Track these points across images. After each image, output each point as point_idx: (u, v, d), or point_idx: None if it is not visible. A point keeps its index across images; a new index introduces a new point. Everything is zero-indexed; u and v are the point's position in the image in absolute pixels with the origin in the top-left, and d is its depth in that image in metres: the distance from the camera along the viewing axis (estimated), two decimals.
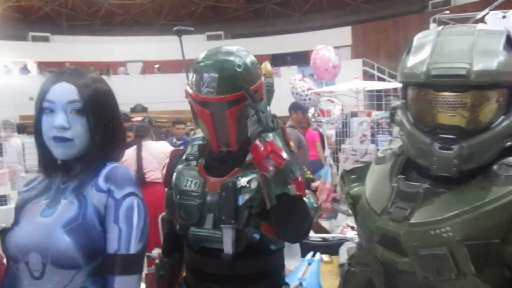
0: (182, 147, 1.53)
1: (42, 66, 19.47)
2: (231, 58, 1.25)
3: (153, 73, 18.86)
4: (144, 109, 16.17)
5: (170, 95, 13.60)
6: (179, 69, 19.51)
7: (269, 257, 1.31)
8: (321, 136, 4.22)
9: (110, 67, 19.02)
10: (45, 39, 19.19)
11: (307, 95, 3.69)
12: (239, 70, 1.23)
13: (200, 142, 1.39)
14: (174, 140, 6.06)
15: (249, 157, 1.28)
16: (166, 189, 1.41)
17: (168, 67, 18.74)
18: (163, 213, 1.68)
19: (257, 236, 1.24)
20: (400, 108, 1.07)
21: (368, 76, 15.18)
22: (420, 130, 1.00)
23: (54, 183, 1.14)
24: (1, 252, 1.38)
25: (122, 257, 1.05)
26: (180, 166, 1.36)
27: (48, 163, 1.14)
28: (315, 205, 1.27)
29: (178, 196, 1.31)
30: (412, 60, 1.01)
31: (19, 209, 1.14)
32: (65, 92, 1.07)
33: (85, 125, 1.08)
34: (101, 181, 1.09)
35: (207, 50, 1.31)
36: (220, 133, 1.26)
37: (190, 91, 1.28)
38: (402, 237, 0.98)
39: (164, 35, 20.08)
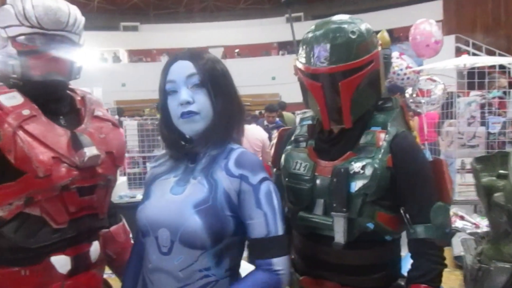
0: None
1: (132, 54, 20.80)
2: (344, 25, 1.14)
3: (234, 58, 19.17)
4: None
5: (251, 79, 13.72)
6: (259, 53, 19.68)
7: (384, 248, 1.21)
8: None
9: None
10: (135, 28, 20.39)
11: (405, 74, 3.40)
12: (352, 36, 1.13)
13: (310, 122, 1.30)
14: (265, 122, 6.08)
15: (363, 139, 1.17)
16: (274, 169, 1.37)
17: (248, 51, 18.92)
18: None
19: (371, 226, 1.15)
20: None
21: (461, 53, 13.97)
22: None
23: (182, 161, 1.14)
24: (128, 228, 1.46)
25: (274, 239, 1.05)
26: (288, 147, 1.30)
27: (174, 145, 1.16)
28: None
29: (286, 179, 1.25)
30: None
31: (149, 184, 1.17)
32: (182, 68, 1.08)
33: (207, 97, 1.08)
34: (231, 165, 1.07)
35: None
36: (332, 108, 1.17)
37: (299, 65, 1.20)
38: None
39: (244, 20, 20.33)
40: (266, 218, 1.04)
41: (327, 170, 1.17)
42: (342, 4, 20.12)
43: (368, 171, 1.12)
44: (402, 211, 1.15)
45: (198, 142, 1.11)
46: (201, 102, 1.07)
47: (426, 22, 4.34)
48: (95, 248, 1.28)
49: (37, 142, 1.14)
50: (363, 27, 1.16)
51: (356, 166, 1.13)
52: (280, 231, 1.06)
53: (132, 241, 1.40)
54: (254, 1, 20.88)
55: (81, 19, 1.24)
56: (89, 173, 1.23)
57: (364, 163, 1.13)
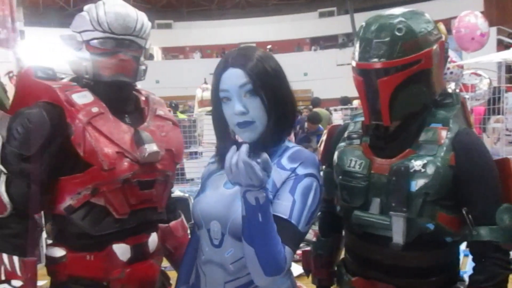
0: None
1: (166, 51, 21.12)
2: (392, 21, 1.10)
3: None
4: None
5: None
6: (291, 49, 19.56)
7: (444, 250, 1.16)
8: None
9: (225, 50, 19.80)
10: (168, 26, 20.68)
11: (448, 68, 3.28)
12: (398, 34, 1.08)
13: (363, 118, 1.26)
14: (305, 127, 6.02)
15: (423, 136, 1.13)
16: (323, 166, 1.35)
17: (280, 47, 18.83)
18: None
19: (431, 226, 1.10)
20: None
21: (503, 46, 13.38)
22: None
23: None
24: (185, 223, 1.53)
25: (292, 228, 0.99)
26: (342, 144, 1.27)
27: (225, 147, 1.14)
28: None
29: (340, 177, 1.22)
30: None
31: (205, 179, 1.19)
32: (234, 77, 1.05)
33: (261, 105, 1.06)
34: (284, 160, 1.06)
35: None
36: (372, 104, 1.15)
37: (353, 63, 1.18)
38: None
39: (276, 15, 20.24)
40: (293, 205, 1.00)
41: (383, 168, 1.14)
42: None
43: (430, 170, 1.08)
44: (464, 212, 1.10)
45: (254, 146, 1.09)
46: (256, 110, 1.05)
47: (471, 14, 4.18)
48: (153, 239, 1.36)
49: (103, 137, 1.24)
50: (416, 24, 1.11)
51: (417, 164, 1.09)
52: (301, 227, 1.00)
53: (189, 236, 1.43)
54: None
55: (148, 25, 1.33)
56: (149, 168, 1.31)
57: (425, 161, 1.09)
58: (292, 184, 1.02)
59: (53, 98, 1.24)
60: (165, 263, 1.49)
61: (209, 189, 1.15)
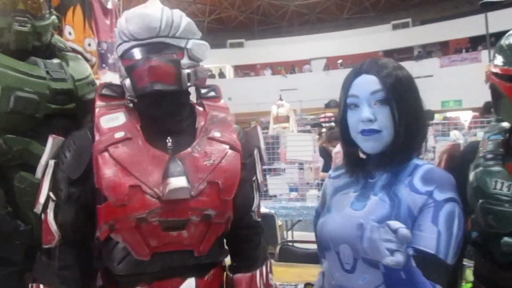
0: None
1: (237, 69, 21.76)
2: None
3: (337, 68, 18.93)
4: (337, 105, 16.35)
5: None
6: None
7: None
8: None
9: (295, 66, 19.92)
10: (240, 45, 21.31)
11: None
12: None
13: (499, 136, 1.14)
14: None
15: None
16: None
17: (352, 61, 18.51)
18: None
19: None
20: None
21: None
22: None
23: (361, 176, 1.10)
24: (265, 274, 1.25)
25: (441, 263, 0.93)
26: (480, 163, 1.12)
27: (353, 159, 1.11)
28: None
29: (481, 200, 1.08)
30: None
31: (330, 196, 1.14)
32: (367, 83, 1.02)
33: (390, 115, 1.01)
34: (417, 182, 1.00)
35: None
36: None
37: (495, 70, 1.06)
38: None
39: (347, 30, 20.00)
40: (439, 237, 0.93)
41: None
42: (454, 6, 18.69)
43: None
44: None
45: (378, 160, 1.05)
46: (384, 119, 1.00)
47: None
48: (188, 285, 1.11)
49: (119, 167, 1.05)
50: None
51: None
52: (450, 260, 0.93)
53: None
54: (358, 10, 20.46)
55: (180, 22, 1.12)
56: (177, 206, 1.06)
57: None
58: (433, 213, 0.96)
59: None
60: None
61: (335, 210, 1.09)
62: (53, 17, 1.45)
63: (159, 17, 1.09)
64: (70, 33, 2.45)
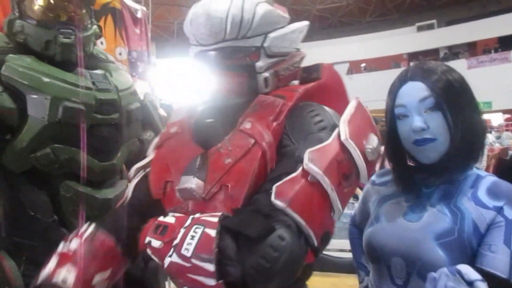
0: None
1: None
2: None
3: (360, 72, 18.71)
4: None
5: (378, 93, 13.15)
6: (387, 65, 18.85)
7: None
8: None
9: None
10: None
11: None
12: None
13: None
14: None
15: None
16: None
17: (376, 64, 18.28)
18: None
19: None
20: None
21: None
22: None
23: (413, 186, 1.03)
24: None
25: None
26: None
27: (403, 173, 1.05)
28: None
29: None
30: None
31: (378, 205, 1.08)
32: (414, 91, 0.97)
33: (443, 122, 0.95)
34: (482, 195, 0.94)
35: None
36: None
37: None
38: None
39: (370, 33, 19.76)
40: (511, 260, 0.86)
41: None
42: (482, 5, 18.23)
43: None
44: None
45: (434, 169, 0.99)
46: (437, 127, 0.95)
47: None
48: None
49: (163, 162, 1.02)
50: None
51: None
52: None
53: None
54: (381, 12, 20.21)
55: (252, 17, 0.95)
56: (193, 206, 0.95)
57: None
58: (505, 233, 0.89)
59: None
60: None
61: (385, 219, 1.03)
62: (95, 26, 1.48)
63: (223, 17, 0.93)
64: (102, 43, 2.49)
